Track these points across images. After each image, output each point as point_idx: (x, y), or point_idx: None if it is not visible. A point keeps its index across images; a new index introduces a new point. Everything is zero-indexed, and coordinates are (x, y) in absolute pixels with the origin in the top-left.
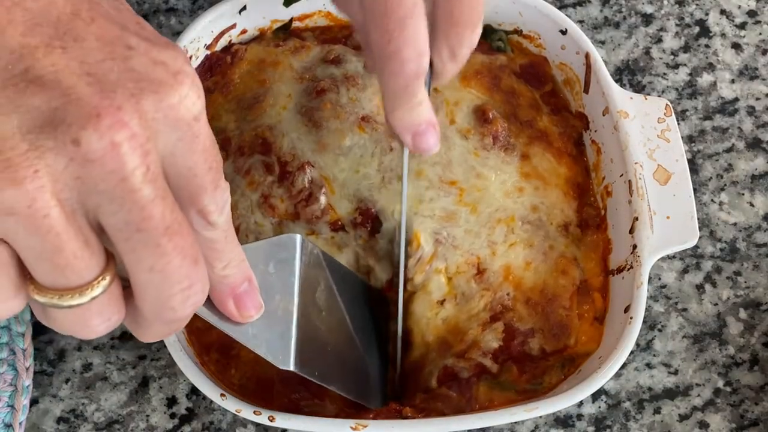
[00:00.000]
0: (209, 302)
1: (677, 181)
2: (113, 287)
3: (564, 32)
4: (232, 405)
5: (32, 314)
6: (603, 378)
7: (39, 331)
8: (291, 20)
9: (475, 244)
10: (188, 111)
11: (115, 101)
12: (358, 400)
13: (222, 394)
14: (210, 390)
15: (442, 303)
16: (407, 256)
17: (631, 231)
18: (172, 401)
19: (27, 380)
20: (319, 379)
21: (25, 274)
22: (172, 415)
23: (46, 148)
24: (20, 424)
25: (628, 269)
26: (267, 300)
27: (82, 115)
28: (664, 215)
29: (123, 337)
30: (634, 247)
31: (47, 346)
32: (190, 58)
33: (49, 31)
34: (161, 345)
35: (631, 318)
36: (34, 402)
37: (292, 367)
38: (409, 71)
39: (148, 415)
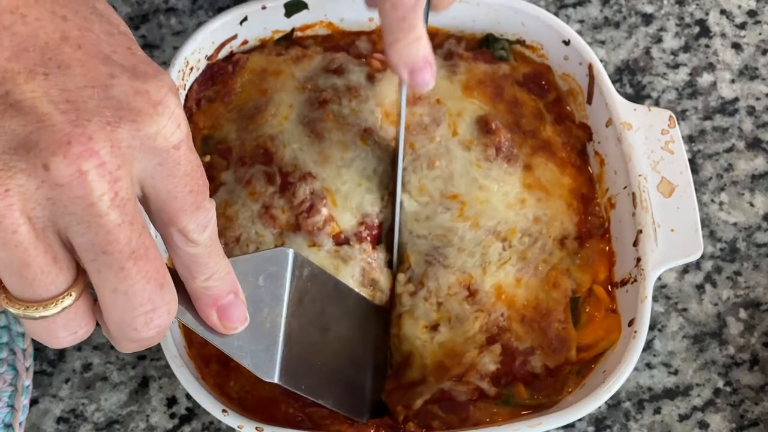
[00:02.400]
0: (196, 313)
1: (681, 194)
2: (81, 302)
3: (567, 43)
4: (233, 421)
5: None
6: (607, 393)
7: None
8: (293, 30)
9: (467, 263)
10: (166, 141)
11: (87, 130)
12: (348, 416)
13: (224, 410)
14: (211, 405)
15: (437, 327)
16: (399, 271)
17: (635, 244)
18: (172, 401)
19: (27, 380)
20: (307, 392)
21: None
22: (172, 415)
23: (18, 169)
24: (20, 424)
25: (632, 282)
26: (255, 313)
27: (53, 141)
28: (668, 228)
29: None
30: (638, 260)
31: (47, 346)
32: (191, 69)
33: (35, 56)
34: (161, 345)
35: (635, 332)
36: (33, 402)
37: (276, 380)
38: (408, 2)
39: (148, 415)
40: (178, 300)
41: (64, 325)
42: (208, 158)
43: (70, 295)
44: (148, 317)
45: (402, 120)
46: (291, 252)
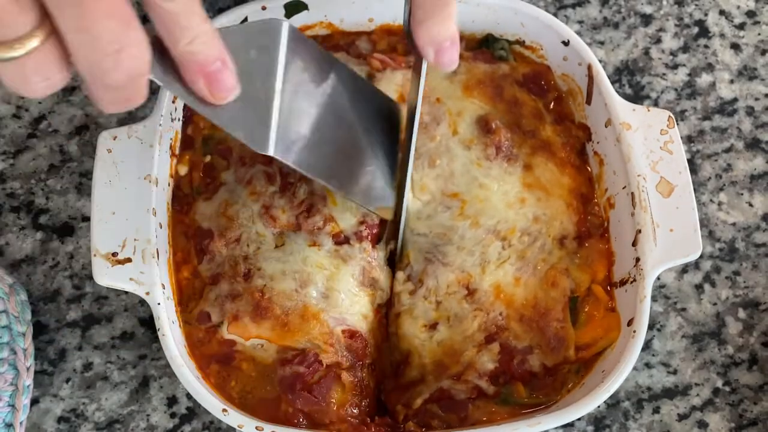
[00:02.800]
0: (186, 84)
1: (680, 194)
2: (50, 46)
3: (566, 43)
4: (234, 420)
5: (32, 315)
6: (606, 392)
7: (40, 331)
8: None
9: (467, 262)
10: None
11: None
12: (354, 199)
13: (224, 410)
14: (212, 405)
15: (435, 326)
16: (398, 269)
17: (634, 244)
18: (172, 401)
19: (28, 380)
20: (305, 168)
21: None
22: (173, 415)
23: None
24: (21, 423)
25: (631, 282)
26: (247, 85)
27: None
28: (667, 228)
29: (123, 336)
30: (637, 260)
31: (48, 345)
32: None
33: None
34: (161, 345)
35: (634, 332)
36: (34, 401)
37: (270, 151)
38: None
39: (148, 415)
40: (166, 70)
41: (35, 69)
42: (208, 158)
43: (36, 37)
44: (116, 57)
45: (419, 105)
46: (285, 23)
